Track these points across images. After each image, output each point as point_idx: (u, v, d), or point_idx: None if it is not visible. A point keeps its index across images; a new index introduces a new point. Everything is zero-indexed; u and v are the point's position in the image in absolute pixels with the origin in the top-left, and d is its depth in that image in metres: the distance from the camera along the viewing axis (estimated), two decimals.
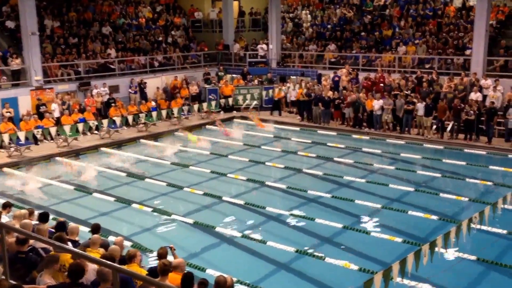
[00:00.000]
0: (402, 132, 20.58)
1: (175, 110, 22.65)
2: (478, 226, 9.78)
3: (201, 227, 12.17)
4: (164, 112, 22.22)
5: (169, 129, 22.22)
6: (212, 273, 9.31)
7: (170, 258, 7.53)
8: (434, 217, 12.42)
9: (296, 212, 13.03)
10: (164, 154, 18.73)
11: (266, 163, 17.29)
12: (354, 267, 10.07)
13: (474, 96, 19.84)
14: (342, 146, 19.46)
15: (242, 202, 13.69)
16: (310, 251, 10.90)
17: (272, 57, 28.15)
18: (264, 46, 28.78)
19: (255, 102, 25.17)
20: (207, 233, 11.96)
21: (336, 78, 24.06)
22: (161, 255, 7.38)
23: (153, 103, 23.66)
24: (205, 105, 23.55)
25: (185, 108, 23.00)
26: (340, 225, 12.07)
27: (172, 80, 26.04)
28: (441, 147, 18.98)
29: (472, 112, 19.00)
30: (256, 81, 26.51)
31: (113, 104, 22.42)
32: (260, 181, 15.43)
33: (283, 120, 23.75)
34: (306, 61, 27.70)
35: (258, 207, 13.29)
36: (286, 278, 10.05)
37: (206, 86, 26.33)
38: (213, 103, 24.01)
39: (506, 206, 10.63)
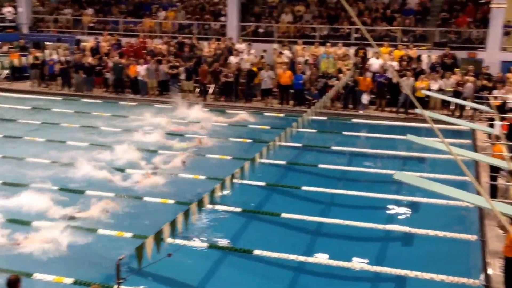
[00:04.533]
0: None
1: None
2: (240, 181, 10.58)
3: None
4: None
5: None
6: None
7: None
8: (202, 177, 13.01)
9: (63, 186, 12.25)
10: None
11: (24, 137, 15.83)
12: (128, 234, 10.00)
13: (234, 59, 21.12)
14: (108, 114, 18.88)
15: None
16: (82, 225, 10.41)
17: (23, 22, 25.54)
18: (11, 9, 25.90)
19: (6, 72, 22.71)
20: None
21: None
22: None
23: None
24: None
25: None
26: (112, 194, 11.80)
27: None
28: (206, 109, 19.65)
29: (231, 74, 20.25)
30: (5, 48, 23.81)
31: None
32: (18, 158, 14.09)
33: (43, 90, 22.04)
34: (62, 26, 25.87)
35: (17, 186, 12.12)
36: (58, 257, 9.43)
37: None
38: None
39: (263, 160, 11.65)
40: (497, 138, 12.75)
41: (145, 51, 22.45)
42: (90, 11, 26.04)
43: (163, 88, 21.11)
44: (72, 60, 22.07)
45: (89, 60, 21.76)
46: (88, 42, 23.57)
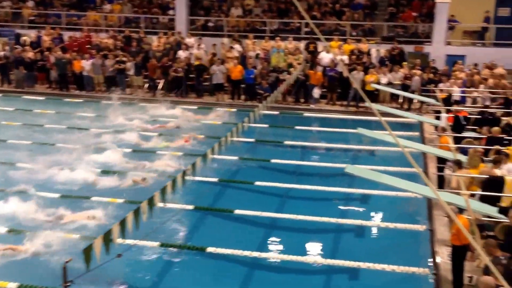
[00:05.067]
0: (121, 92, 20.12)
1: None
2: (192, 178, 10.36)
3: None
4: None
5: None
6: None
7: None
8: (154, 174, 12.66)
9: (5, 188, 11.64)
10: None
11: None
12: (75, 236, 9.61)
13: (183, 54, 20.72)
14: (52, 111, 18.15)
15: None
16: (28, 228, 9.91)
17: None
18: None
19: None
20: None
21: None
22: None
23: None
24: None
25: None
26: (56, 195, 11.32)
27: None
28: (156, 105, 19.16)
29: (180, 69, 19.89)
30: None
31: None
32: None
33: None
34: (0, 19, 24.79)
35: None
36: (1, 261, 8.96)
37: None
38: None
39: (215, 156, 11.44)
40: (443, 130, 13.06)
41: (89, 46, 21.74)
42: (30, 3, 25.02)
43: (110, 83, 20.47)
44: (11, 55, 21.13)
45: (30, 55, 20.87)
46: (29, 36, 22.62)
